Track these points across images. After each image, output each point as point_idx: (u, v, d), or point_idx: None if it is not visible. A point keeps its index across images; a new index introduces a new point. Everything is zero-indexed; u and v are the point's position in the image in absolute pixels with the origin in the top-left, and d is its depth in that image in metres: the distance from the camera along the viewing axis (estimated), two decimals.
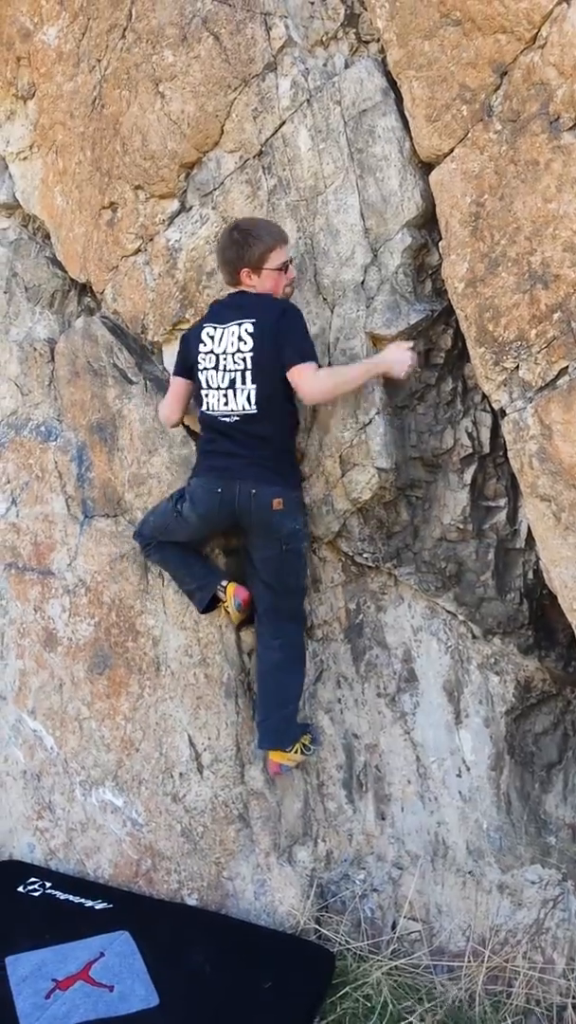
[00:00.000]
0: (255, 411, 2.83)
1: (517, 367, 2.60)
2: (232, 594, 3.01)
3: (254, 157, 3.06)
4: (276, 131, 3.03)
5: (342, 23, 3.11)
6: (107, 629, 3.40)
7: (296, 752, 3.04)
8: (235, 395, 2.84)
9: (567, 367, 2.50)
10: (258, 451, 2.85)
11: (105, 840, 3.35)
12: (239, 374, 2.83)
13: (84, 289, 3.77)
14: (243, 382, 2.83)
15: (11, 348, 3.79)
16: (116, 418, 3.46)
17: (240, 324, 2.83)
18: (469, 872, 3.01)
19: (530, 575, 2.95)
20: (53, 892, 3.17)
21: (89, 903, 3.10)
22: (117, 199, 3.42)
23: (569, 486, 2.50)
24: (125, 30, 3.41)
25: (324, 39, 3.11)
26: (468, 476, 2.93)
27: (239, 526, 2.95)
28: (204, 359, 2.91)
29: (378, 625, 3.12)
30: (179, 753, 3.24)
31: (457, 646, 3.01)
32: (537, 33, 2.52)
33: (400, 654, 3.10)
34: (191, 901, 3.18)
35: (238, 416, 2.85)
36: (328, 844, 3.13)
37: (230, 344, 2.84)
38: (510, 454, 2.69)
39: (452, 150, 2.75)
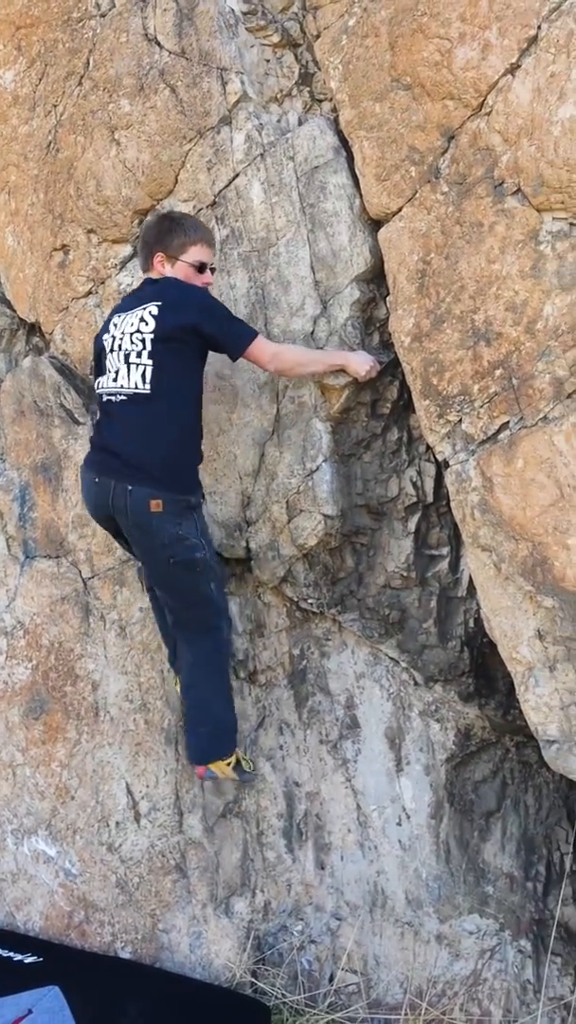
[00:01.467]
0: (148, 390, 2.60)
1: (460, 420, 2.67)
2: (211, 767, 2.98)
3: (207, 207, 3.11)
4: (230, 183, 3.09)
5: (296, 81, 3.20)
6: (45, 673, 3.34)
7: (229, 766, 2.93)
8: (128, 372, 2.63)
9: (508, 422, 2.57)
10: (144, 441, 2.59)
11: (36, 891, 3.25)
12: (135, 352, 2.63)
13: (32, 329, 3.75)
14: (138, 357, 2.63)
15: None
16: (62, 458, 3.43)
17: (145, 308, 2.69)
18: (407, 922, 2.99)
19: (471, 623, 2.99)
20: None
21: (18, 957, 3.00)
22: (69, 242, 3.44)
23: (509, 537, 2.56)
24: (82, 78, 3.45)
25: (279, 96, 3.20)
26: (412, 524, 2.98)
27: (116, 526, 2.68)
28: (107, 345, 2.76)
29: (321, 671, 3.12)
30: (116, 801, 3.18)
31: (399, 693, 3.03)
32: (483, 101, 2.63)
33: (343, 700, 3.10)
34: (125, 954, 3.10)
35: (127, 395, 2.62)
36: (266, 895, 3.08)
37: (130, 325, 2.68)
38: (453, 504, 2.74)
39: (400, 209, 2.84)
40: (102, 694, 3.24)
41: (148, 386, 2.61)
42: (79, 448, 3.41)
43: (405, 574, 2.98)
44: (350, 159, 3.00)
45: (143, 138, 3.23)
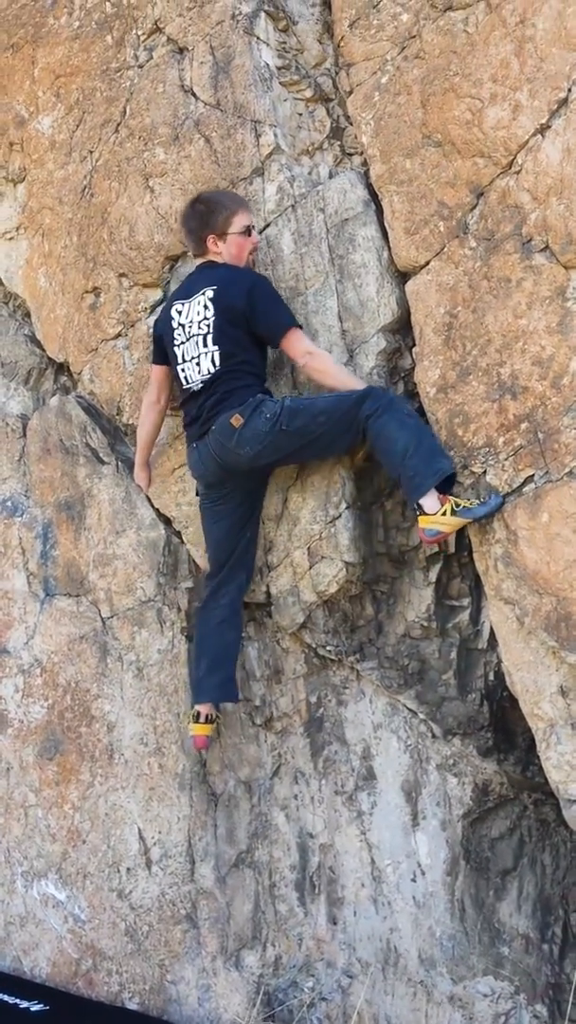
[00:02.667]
0: (219, 370, 2.88)
1: (485, 472, 2.66)
2: (192, 732, 3.01)
3: None
4: (260, 232, 3.13)
5: (328, 135, 3.26)
6: (60, 712, 3.32)
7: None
8: (201, 361, 2.91)
9: (533, 475, 2.57)
10: (220, 401, 2.87)
11: (44, 936, 3.20)
12: (202, 338, 2.90)
13: (60, 368, 3.80)
14: (205, 345, 2.89)
15: None
16: (85, 497, 3.46)
17: (203, 293, 2.91)
18: (420, 982, 2.92)
19: (491, 676, 2.96)
20: None
21: (24, 1004, 2.95)
22: (101, 284, 3.49)
23: (533, 591, 2.54)
24: (119, 125, 3.53)
25: (310, 149, 3.26)
26: (433, 574, 2.96)
27: (240, 472, 2.90)
28: (176, 335, 2.97)
29: (338, 720, 3.09)
30: (127, 847, 3.14)
31: (417, 745, 2.99)
32: (513, 160, 2.67)
33: (359, 751, 3.06)
34: (132, 1005, 3.04)
35: (204, 381, 2.90)
36: (277, 948, 3.03)
37: (196, 314, 2.92)
38: (475, 556, 2.73)
39: (428, 262, 2.87)
40: (117, 736, 3.22)
41: (219, 366, 2.88)
42: (103, 487, 3.43)
43: (425, 624, 2.96)
44: (379, 212, 3.04)
45: (177, 186, 3.29)
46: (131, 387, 3.40)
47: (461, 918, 2.95)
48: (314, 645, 3.07)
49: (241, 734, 3.15)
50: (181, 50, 3.40)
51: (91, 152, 3.62)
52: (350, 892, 3.04)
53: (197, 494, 3.10)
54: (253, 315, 2.86)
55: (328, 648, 3.04)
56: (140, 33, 3.53)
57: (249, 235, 3.00)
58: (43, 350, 3.82)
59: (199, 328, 2.91)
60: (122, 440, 3.56)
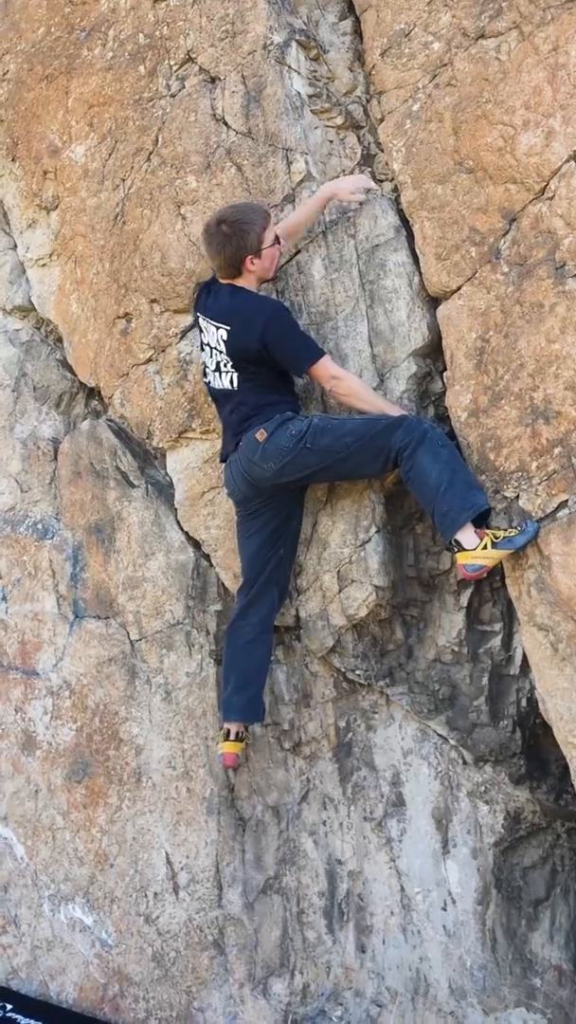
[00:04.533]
0: (236, 388, 2.95)
1: (517, 496, 2.65)
2: (221, 750, 3.02)
3: (269, 281, 3.18)
4: (291, 258, 3.16)
5: (359, 162, 3.29)
6: (89, 735, 3.33)
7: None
8: (220, 375, 2.99)
9: (567, 500, 2.55)
10: (248, 417, 2.92)
11: (71, 961, 3.19)
12: (220, 361, 2.98)
13: (92, 392, 3.84)
14: (225, 367, 2.97)
15: (14, 445, 3.83)
16: (115, 520, 3.47)
17: (218, 328, 2.94)
18: (451, 1012, 2.88)
19: (523, 703, 2.93)
20: (14, 1016, 3.00)
21: None
22: (132, 310, 3.53)
23: (567, 617, 2.52)
24: (151, 154, 3.58)
25: (342, 176, 3.29)
26: (464, 599, 2.95)
27: (266, 488, 2.93)
28: (202, 338, 3.05)
29: (367, 745, 3.07)
30: (155, 871, 3.13)
31: (448, 772, 2.96)
32: (546, 186, 2.68)
33: (388, 777, 3.04)
34: None
35: (226, 391, 2.98)
36: (305, 976, 2.99)
37: (214, 340, 2.98)
38: (508, 581, 2.71)
39: (460, 288, 2.88)
40: (145, 759, 3.21)
41: (236, 386, 2.96)
42: (133, 511, 3.45)
43: (456, 649, 2.94)
44: (410, 238, 3.06)
45: (209, 214, 3.32)
46: (161, 411, 3.42)
47: (492, 948, 2.91)
48: (343, 669, 3.05)
49: (269, 758, 3.13)
50: (213, 79, 3.44)
51: (123, 180, 3.67)
52: (379, 920, 3.01)
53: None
54: (270, 358, 2.89)
55: (357, 672, 3.03)
56: (172, 63, 3.59)
57: (278, 242, 3.00)
58: (74, 374, 3.86)
59: (217, 352, 2.98)
60: (152, 464, 3.58)
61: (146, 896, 3.12)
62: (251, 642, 3.01)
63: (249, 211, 2.98)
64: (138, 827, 3.17)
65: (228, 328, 2.92)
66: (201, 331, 3.07)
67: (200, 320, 3.06)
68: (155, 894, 3.11)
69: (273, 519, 2.99)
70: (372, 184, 3.06)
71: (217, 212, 3.06)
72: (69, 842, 3.27)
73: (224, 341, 2.93)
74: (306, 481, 2.98)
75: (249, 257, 2.93)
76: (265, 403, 2.92)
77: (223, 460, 3.08)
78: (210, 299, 3.05)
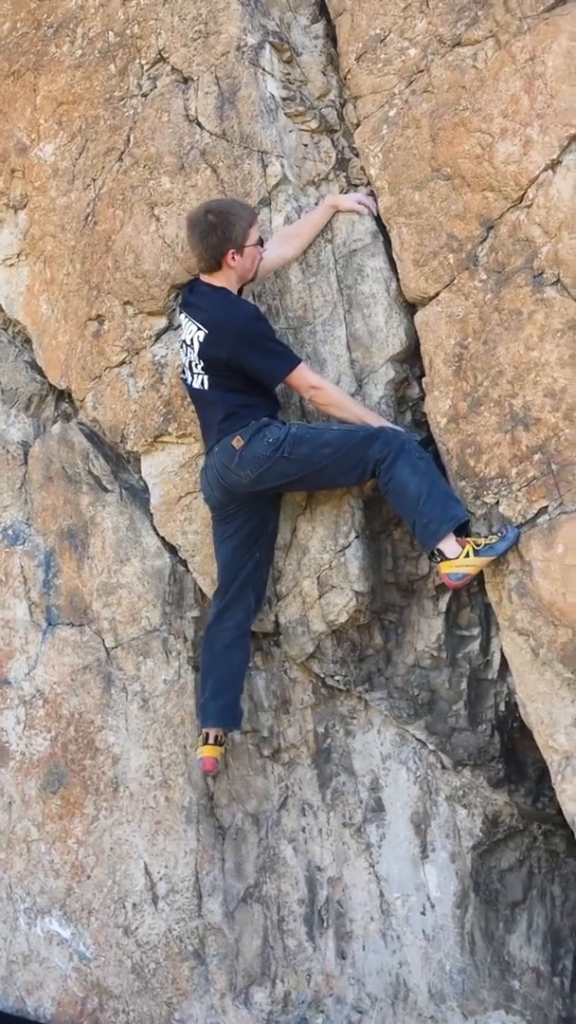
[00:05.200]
0: (207, 390, 2.93)
1: (497, 502, 2.67)
2: (200, 754, 2.98)
3: (249, 283, 3.15)
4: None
5: (333, 166, 3.29)
6: (64, 744, 3.28)
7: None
8: (192, 374, 2.97)
9: (547, 507, 2.58)
10: (216, 417, 2.91)
11: (49, 975, 3.14)
12: (192, 360, 2.95)
13: (62, 395, 3.78)
14: (196, 366, 2.94)
15: None
16: (88, 525, 3.43)
17: (198, 329, 2.91)
18: (431, 1017, 2.89)
19: (502, 707, 2.95)
20: None
21: None
22: (105, 312, 3.48)
23: (548, 622, 2.54)
24: (122, 154, 3.53)
25: (316, 180, 3.28)
26: (443, 604, 2.96)
27: (240, 495, 2.92)
28: (182, 334, 3.02)
29: (346, 750, 3.07)
30: (133, 882, 3.09)
31: (426, 776, 2.97)
32: (524, 194, 2.70)
33: (368, 782, 3.04)
34: None
35: (199, 388, 2.96)
36: (286, 984, 2.98)
37: (188, 337, 2.96)
38: (488, 586, 2.73)
39: (438, 294, 2.88)
40: (122, 768, 3.18)
41: (206, 387, 2.94)
42: (107, 515, 3.40)
43: (435, 654, 2.95)
44: (387, 244, 3.06)
45: (183, 215, 3.28)
46: (136, 415, 3.38)
47: (471, 951, 2.93)
48: (322, 675, 3.05)
49: (248, 766, 3.12)
50: (186, 80, 3.41)
51: (94, 180, 3.61)
52: (359, 926, 3.01)
53: None
54: (243, 369, 2.86)
55: (336, 678, 3.03)
56: (144, 62, 3.54)
57: (261, 244, 2.97)
58: (44, 377, 3.79)
59: (188, 351, 2.96)
60: (125, 468, 3.53)
61: (124, 907, 3.08)
62: (228, 647, 2.99)
63: (238, 206, 2.97)
64: (115, 837, 3.13)
65: (205, 332, 2.89)
66: (181, 326, 3.03)
67: (182, 315, 3.03)
68: (134, 905, 3.08)
69: (248, 522, 2.97)
70: (373, 206, 3.07)
71: (204, 202, 3.04)
72: (45, 854, 3.22)
73: (200, 342, 2.90)
74: (283, 489, 2.97)
75: (231, 251, 2.88)
76: (239, 405, 2.89)
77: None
78: (192, 296, 3.03)
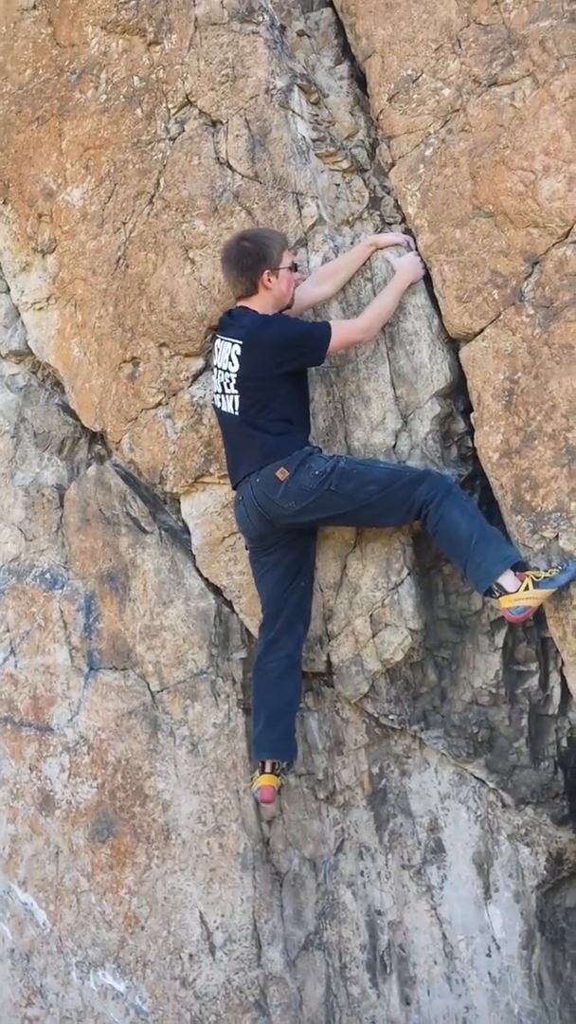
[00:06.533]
0: (238, 415, 2.91)
1: (557, 536, 2.66)
2: (257, 785, 2.87)
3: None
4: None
5: (367, 205, 3.31)
6: (111, 792, 3.22)
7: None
8: (225, 397, 2.96)
9: None
10: (251, 448, 2.89)
11: None
12: (226, 381, 2.95)
13: (94, 437, 3.76)
14: (229, 387, 2.93)
15: (16, 493, 3.73)
16: (129, 567, 3.39)
17: (233, 344, 2.93)
18: None
19: (564, 742, 2.93)
20: None
21: None
22: (140, 354, 3.47)
23: None
24: (153, 197, 3.55)
25: (350, 219, 3.31)
26: (499, 639, 2.94)
27: (281, 527, 2.88)
28: (215, 367, 3.02)
29: (402, 791, 3.03)
30: (189, 932, 3.03)
31: (487, 815, 2.94)
32: (570, 229, 2.72)
33: (426, 823, 3.00)
34: None
35: (229, 413, 2.94)
36: None
37: (224, 360, 2.96)
38: (550, 621, 2.72)
39: (483, 329, 2.90)
40: (173, 815, 3.12)
41: (238, 413, 2.92)
42: (147, 557, 3.37)
43: (494, 691, 2.93)
44: (427, 280, 3.08)
45: (219, 257, 3.30)
46: (175, 456, 3.36)
47: (539, 993, 2.88)
48: (376, 714, 3.02)
49: (304, 809, 3.07)
50: (214, 123, 3.44)
51: (124, 223, 3.62)
52: (422, 970, 2.95)
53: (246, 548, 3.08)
54: (289, 366, 2.87)
55: (391, 717, 2.99)
56: (170, 106, 3.57)
57: (296, 270, 3.02)
58: (76, 419, 3.77)
59: (224, 372, 2.96)
60: (163, 509, 3.51)
61: (181, 958, 3.02)
62: (280, 677, 2.94)
63: (271, 232, 3.08)
64: (169, 886, 3.07)
65: (241, 344, 2.90)
66: (216, 352, 3.03)
67: (217, 341, 3.04)
68: (190, 956, 3.01)
69: (288, 554, 2.95)
70: (411, 244, 3.12)
71: (236, 233, 3.11)
72: (95, 905, 3.15)
73: (238, 356, 2.90)
74: (326, 524, 2.95)
75: (266, 272, 2.92)
76: (277, 433, 2.88)
77: (234, 487, 3.02)
78: (229, 319, 3.05)
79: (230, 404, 2.93)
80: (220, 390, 2.98)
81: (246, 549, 3.08)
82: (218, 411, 3.03)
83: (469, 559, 2.69)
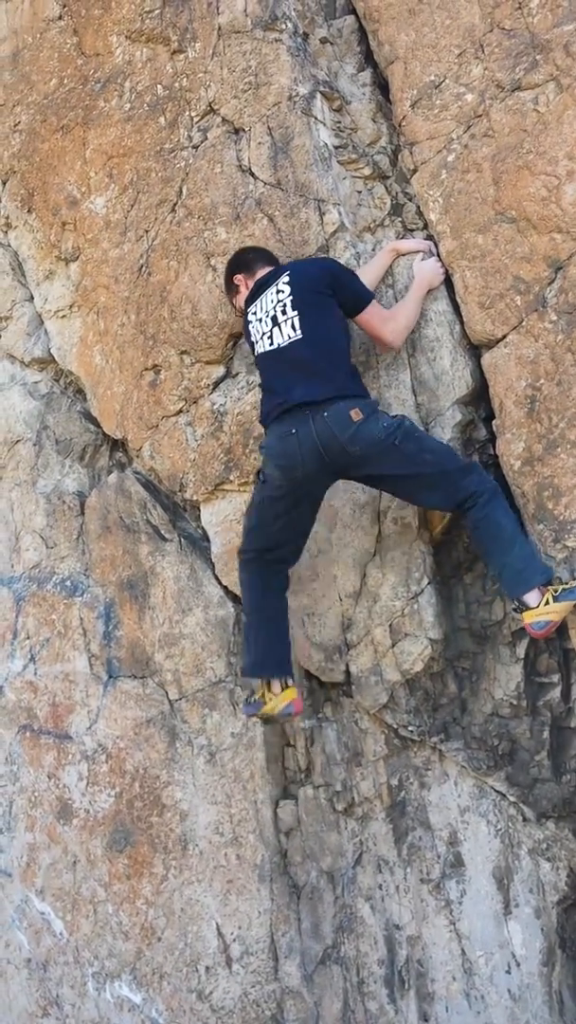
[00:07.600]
0: (301, 335, 2.78)
1: None
2: (284, 702, 2.76)
3: None
4: None
5: (389, 212, 3.29)
6: (129, 801, 3.20)
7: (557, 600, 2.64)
8: (279, 329, 2.83)
9: None
10: (316, 374, 2.73)
11: None
12: (279, 310, 2.84)
13: (116, 444, 3.76)
14: (284, 314, 2.82)
15: (38, 500, 3.74)
16: (148, 575, 3.39)
17: (276, 283, 2.89)
18: None
19: None
20: None
21: None
22: (161, 362, 3.47)
23: None
24: (176, 205, 3.56)
25: (372, 226, 3.28)
26: (521, 650, 2.89)
27: (330, 471, 2.74)
28: (254, 328, 2.93)
29: (422, 804, 2.99)
30: (206, 944, 3.00)
31: (507, 829, 2.88)
32: None
33: (445, 836, 2.95)
34: None
35: (285, 344, 2.80)
36: None
37: (269, 301, 2.89)
38: (572, 633, 2.67)
39: (505, 336, 2.86)
40: (190, 825, 3.10)
41: (300, 332, 2.79)
42: (167, 565, 3.37)
43: (515, 702, 2.88)
44: (448, 286, 3.05)
45: None
46: (195, 463, 3.36)
47: (560, 1011, 2.81)
48: (395, 725, 2.98)
49: (322, 821, 3.04)
50: (237, 131, 3.44)
51: (147, 231, 3.63)
52: (441, 986, 2.90)
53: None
54: (338, 283, 2.85)
55: (410, 728, 2.95)
56: (194, 114, 3.58)
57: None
58: (98, 426, 3.78)
59: (273, 305, 2.86)
60: (182, 516, 3.50)
61: (197, 970, 2.99)
62: (285, 590, 2.87)
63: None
64: (186, 897, 3.04)
65: (288, 273, 2.88)
66: (248, 323, 2.96)
67: (249, 311, 2.97)
68: (207, 968, 2.98)
69: (308, 510, 2.84)
70: (433, 250, 3.10)
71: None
72: (112, 915, 3.13)
73: (287, 283, 2.85)
74: (376, 483, 2.83)
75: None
76: (349, 373, 2.80)
77: (265, 423, 2.85)
78: (262, 279, 2.99)
79: (289, 329, 2.80)
80: (270, 325, 2.85)
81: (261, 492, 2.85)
82: (265, 354, 2.87)
83: (509, 562, 2.62)
